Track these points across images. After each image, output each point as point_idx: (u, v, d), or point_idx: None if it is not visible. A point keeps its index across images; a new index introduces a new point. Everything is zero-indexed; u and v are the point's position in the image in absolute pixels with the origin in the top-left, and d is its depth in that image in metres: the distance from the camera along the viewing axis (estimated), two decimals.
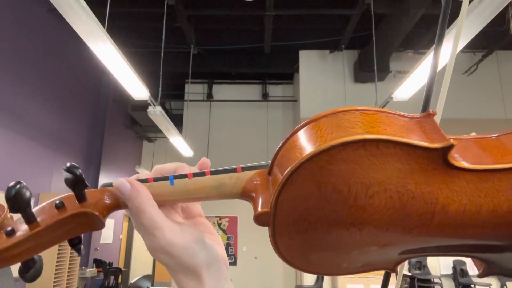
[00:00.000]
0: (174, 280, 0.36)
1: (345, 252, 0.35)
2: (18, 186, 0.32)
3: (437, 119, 0.39)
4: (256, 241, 7.55)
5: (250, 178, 0.36)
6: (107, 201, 0.36)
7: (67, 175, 0.33)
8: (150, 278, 9.92)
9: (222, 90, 8.68)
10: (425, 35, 6.70)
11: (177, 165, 0.39)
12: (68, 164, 0.34)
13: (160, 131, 5.95)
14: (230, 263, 7.93)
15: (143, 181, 0.37)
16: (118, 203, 0.36)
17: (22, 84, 5.62)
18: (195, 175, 0.36)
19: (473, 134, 0.36)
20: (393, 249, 0.34)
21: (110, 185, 0.37)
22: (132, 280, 9.48)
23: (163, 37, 5.48)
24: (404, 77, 4.15)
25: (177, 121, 8.03)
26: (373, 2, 5.60)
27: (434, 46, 0.43)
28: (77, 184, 0.34)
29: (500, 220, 0.30)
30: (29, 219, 0.34)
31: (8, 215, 0.35)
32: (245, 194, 0.36)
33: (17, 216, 0.35)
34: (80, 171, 0.34)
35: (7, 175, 5.26)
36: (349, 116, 0.31)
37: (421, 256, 0.37)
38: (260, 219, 0.33)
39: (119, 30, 6.68)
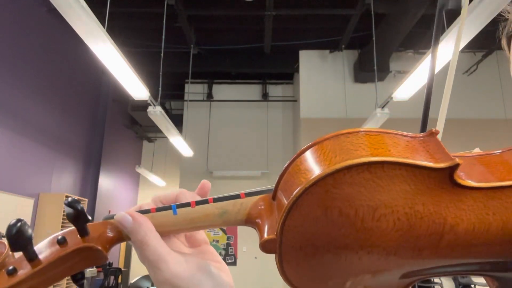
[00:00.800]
0: None
1: (354, 276, 0.34)
2: (18, 224, 0.32)
3: (441, 121, 0.39)
4: (256, 241, 7.50)
5: (254, 204, 0.36)
6: (110, 234, 0.36)
7: (69, 210, 0.33)
8: (150, 278, 9.91)
9: (222, 90, 8.68)
10: (425, 35, 6.70)
11: (177, 193, 0.38)
12: (69, 199, 0.33)
13: (160, 131, 5.95)
14: (230, 263, 7.93)
15: (144, 212, 0.36)
16: (121, 235, 0.36)
17: (22, 84, 5.62)
18: (198, 203, 0.36)
19: (477, 150, 0.36)
20: (403, 271, 0.34)
21: (112, 217, 0.37)
22: (132, 280, 9.48)
23: (163, 37, 5.48)
24: (404, 77, 4.15)
25: (177, 121, 8.03)
26: (373, 2, 5.60)
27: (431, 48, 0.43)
28: (78, 218, 0.34)
29: (510, 237, 0.30)
30: (31, 257, 0.33)
31: (9, 253, 0.34)
32: (250, 221, 0.36)
33: (18, 254, 0.34)
34: (81, 205, 0.33)
35: (7, 175, 5.26)
36: (352, 138, 0.30)
37: (433, 276, 0.36)
38: (266, 246, 0.33)
39: (119, 30, 6.68)
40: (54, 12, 5.22)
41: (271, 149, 8.18)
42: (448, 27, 3.07)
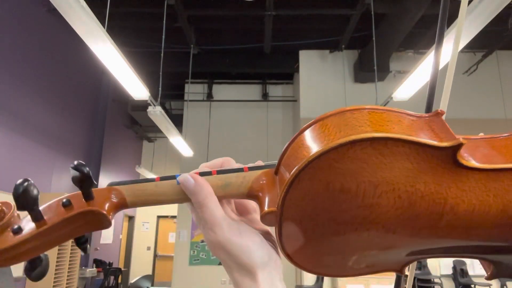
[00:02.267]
0: (229, 276, 0.36)
1: (352, 253, 0.34)
2: (25, 183, 0.32)
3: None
4: None
5: (256, 178, 0.36)
6: (114, 200, 0.36)
7: (75, 173, 0.33)
8: (150, 278, 9.92)
9: (222, 90, 8.68)
10: (425, 35, 6.70)
11: (222, 161, 0.41)
12: (75, 162, 0.33)
13: (160, 131, 5.95)
14: None
15: (205, 174, 0.37)
16: (125, 201, 0.37)
17: (22, 84, 5.62)
18: (202, 174, 0.37)
19: (481, 135, 0.36)
20: (401, 250, 0.34)
21: (117, 184, 0.37)
22: (132, 280, 9.48)
23: (163, 37, 5.48)
24: (404, 77, 4.15)
25: (177, 121, 8.02)
26: (373, 2, 5.60)
27: (434, 45, 0.43)
28: (84, 182, 0.34)
29: (509, 221, 0.30)
30: (36, 217, 0.33)
31: (15, 213, 0.35)
32: (252, 194, 0.36)
33: (24, 214, 0.35)
34: (87, 169, 0.34)
35: (7, 175, 5.26)
36: (357, 114, 0.30)
37: (429, 257, 0.36)
38: (266, 219, 0.33)
39: (119, 30, 6.68)
40: (54, 12, 5.22)
41: (271, 149, 8.18)
42: (448, 27, 3.07)
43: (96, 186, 0.35)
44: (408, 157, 0.29)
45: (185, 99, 8.45)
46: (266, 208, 0.33)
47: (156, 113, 4.76)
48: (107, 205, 0.35)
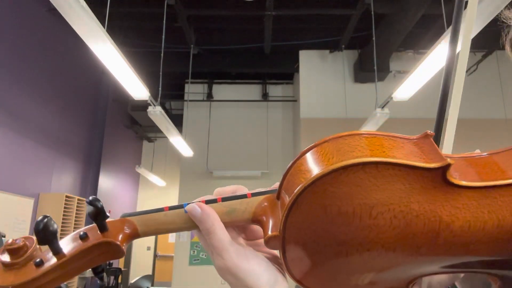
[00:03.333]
0: None
1: (356, 272, 0.35)
2: (45, 220, 0.35)
3: (452, 123, 0.40)
4: None
5: (259, 203, 0.38)
6: (127, 231, 0.39)
7: (90, 208, 0.36)
8: (150, 278, 9.91)
9: (222, 90, 8.68)
10: (425, 35, 6.69)
11: (236, 187, 0.42)
12: (90, 198, 0.36)
13: (160, 131, 5.95)
14: None
15: (210, 202, 0.39)
16: (137, 232, 0.39)
17: (22, 84, 5.62)
18: (208, 202, 0.39)
19: (477, 151, 0.37)
20: (404, 268, 0.35)
21: (129, 215, 0.40)
22: (132, 280, 9.48)
23: (163, 37, 5.48)
24: (404, 77, 4.15)
25: (177, 121, 8.02)
26: (373, 2, 5.60)
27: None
28: (98, 216, 0.37)
29: (506, 235, 0.31)
30: (56, 250, 0.36)
31: (37, 247, 0.38)
32: (256, 219, 0.38)
33: (44, 248, 0.38)
34: (101, 203, 0.36)
35: (7, 175, 5.26)
36: (349, 140, 0.32)
37: (432, 274, 0.37)
38: (270, 243, 0.34)
39: (119, 30, 6.68)
40: (54, 12, 5.22)
41: (271, 149, 8.18)
42: (447, 27, 3.07)
43: (109, 217, 0.38)
44: (399, 178, 0.30)
45: (185, 99, 8.45)
46: (269, 233, 0.35)
47: (156, 113, 4.75)
48: (120, 236, 0.38)
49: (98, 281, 0.39)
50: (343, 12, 6.28)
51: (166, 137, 6.08)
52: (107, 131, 8.33)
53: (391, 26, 5.91)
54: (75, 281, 6.49)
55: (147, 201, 11.14)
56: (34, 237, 0.36)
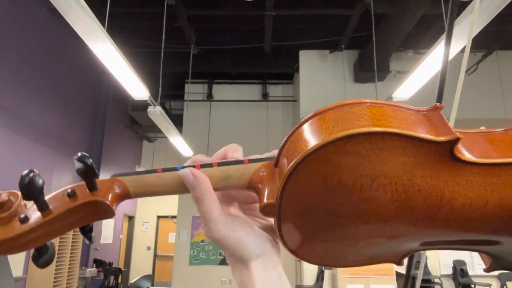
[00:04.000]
0: (227, 260, 0.39)
1: (351, 244, 0.35)
2: (31, 174, 0.33)
3: (453, 118, 0.40)
4: None
5: (256, 170, 0.37)
6: (117, 191, 0.37)
7: (79, 164, 0.34)
8: (150, 278, 9.92)
9: (222, 90, 8.68)
10: (425, 35, 6.69)
11: (225, 149, 0.42)
12: (79, 154, 0.35)
13: (160, 131, 5.95)
14: None
15: (205, 166, 0.38)
16: (128, 192, 0.37)
17: (22, 84, 5.62)
18: (203, 166, 0.38)
19: (483, 128, 0.36)
20: (399, 242, 0.34)
21: (120, 175, 0.38)
22: (132, 280, 9.48)
23: (163, 37, 5.48)
24: (404, 77, 4.15)
25: (177, 121, 8.02)
26: (373, 2, 5.60)
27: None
28: (88, 173, 0.35)
29: (507, 214, 0.30)
30: (42, 206, 0.34)
31: (22, 203, 0.36)
32: (251, 186, 0.36)
33: (29, 204, 0.36)
34: (91, 160, 0.35)
35: (7, 175, 5.26)
36: (355, 109, 0.30)
37: (427, 249, 0.37)
38: (265, 210, 0.33)
39: (119, 30, 6.68)
40: (54, 12, 5.22)
41: (271, 149, 8.08)
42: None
43: (98, 177, 0.36)
44: (405, 151, 0.29)
45: (185, 99, 8.45)
46: (265, 200, 0.33)
47: (156, 113, 4.76)
48: (110, 196, 0.36)
49: (86, 241, 0.38)
50: (343, 12, 6.28)
51: (166, 137, 6.08)
52: (107, 131, 8.33)
53: (391, 26, 5.91)
54: (75, 280, 6.49)
55: (147, 201, 11.14)
56: (19, 192, 0.35)
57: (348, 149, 0.29)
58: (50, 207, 0.35)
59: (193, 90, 8.47)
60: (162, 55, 5.52)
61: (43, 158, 6.16)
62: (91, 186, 0.36)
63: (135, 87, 4.09)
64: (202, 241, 7.83)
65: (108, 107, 8.37)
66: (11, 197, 0.35)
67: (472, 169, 0.30)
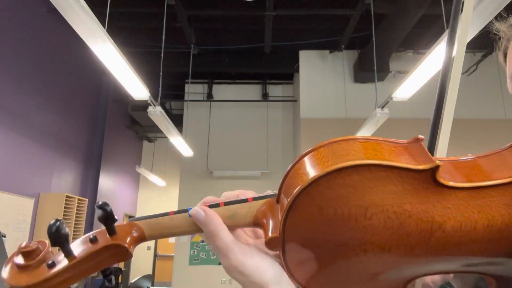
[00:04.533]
0: None
1: (354, 274, 0.36)
2: (58, 223, 0.36)
3: (449, 120, 0.40)
4: None
5: (260, 207, 0.39)
6: (135, 234, 0.41)
7: (99, 212, 0.38)
8: (150, 278, 9.92)
9: (222, 90, 8.68)
10: (425, 35, 6.69)
11: (239, 192, 0.44)
12: (100, 202, 0.38)
13: (160, 131, 5.95)
14: None
15: (214, 206, 0.41)
16: (144, 235, 0.41)
17: (22, 84, 5.62)
18: (211, 206, 0.40)
19: (469, 155, 0.38)
20: (400, 269, 0.36)
21: (136, 219, 0.42)
22: (132, 280, 9.48)
23: (163, 37, 5.48)
24: (404, 77, 4.15)
25: (177, 121, 8.02)
26: (373, 2, 5.60)
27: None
28: (108, 219, 0.38)
29: (497, 235, 0.32)
30: (67, 252, 0.38)
31: (49, 249, 0.39)
32: (257, 222, 0.39)
33: (56, 251, 0.39)
34: (110, 208, 0.38)
35: (7, 175, 5.26)
36: (343, 144, 0.34)
37: (427, 275, 0.38)
38: (270, 244, 0.36)
39: (119, 30, 6.68)
40: (54, 12, 5.22)
41: (271, 149, 8.18)
42: (447, 27, 3.07)
43: (117, 220, 0.40)
44: (391, 180, 0.31)
45: (185, 99, 8.45)
46: (269, 234, 0.36)
47: (156, 113, 4.76)
48: (128, 239, 0.40)
49: (106, 283, 0.42)
50: (343, 12, 6.28)
51: (166, 137, 6.08)
52: (107, 131, 8.34)
53: (391, 26, 5.91)
54: None
55: (147, 201, 11.14)
56: (47, 241, 0.38)
57: (339, 181, 0.31)
58: (75, 252, 0.38)
59: (193, 90, 8.47)
60: (162, 55, 5.52)
61: (43, 158, 6.16)
62: (111, 231, 0.39)
63: (135, 87, 4.09)
64: (202, 241, 7.83)
65: (108, 107, 8.37)
66: (39, 245, 0.39)
67: (457, 193, 0.32)
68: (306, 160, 0.35)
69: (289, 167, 0.36)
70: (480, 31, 2.92)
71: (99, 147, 8.09)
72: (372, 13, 5.62)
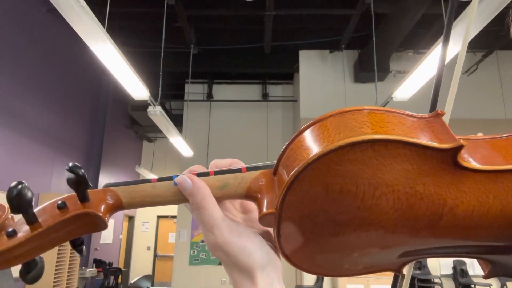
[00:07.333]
0: (229, 276, 0.36)
1: (350, 253, 0.34)
2: (19, 186, 0.32)
3: (446, 119, 0.39)
4: None
5: (255, 179, 0.35)
6: (110, 201, 0.36)
7: (70, 175, 0.33)
8: (150, 278, 9.92)
9: (222, 90, 8.68)
10: (425, 35, 6.69)
11: (231, 161, 0.40)
12: (70, 164, 0.33)
13: (160, 131, 5.95)
14: None
15: (203, 174, 0.37)
16: (121, 203, 0.36)
17: (22, 84, 5.62)
18: (199, 175, 0.36)
19: (480, 135, 0.35)
20: (399, 250, 0.34)
21: (112, 185, 0.37)
22: (132, 280, 9.49)
23: (163, 37, 5.48)
24: (404, 77, 4.15)
25: (177, 121, 8.02)
26: (373, 2, 5.60)
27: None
28: (79, 184, 0.33)
29: (508, 221, 0.30)
30: (31, 220, 0.33)
31: (9, 216, 0.34)
32: (250, 195, 0.35)
33: (18, 217, 0.34)
34: (82, 171, 0.33)
35: (7, 175, 5.26)
36: (357, 115, 0.30)
37: (426, 257, 0.36)
38: (265, 220, 0.33)
39: (119, 30, 6.68)
40: (54, 12, 5.21)
41: (271, 149, 8.18)
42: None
43: (91, 187, 0.35)
44: (408, 158, 0.28)
45: (185, 99, 8.45)
46: (264, 210, 0.32)
47: (156, 113, 4.76)
48: (102, 207, 0.35)
49: (77, 254, 0.36)
50: (343, 12, 6.28)
51: (166, 137, 6.08)
52: (107, 131, 8.33)
53: (391, 26, 5.91)
54: (75, 281, 6.49)
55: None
56: (7, 205, 0.33)
57: (351, 157, 0.28)
58: (39, 220, 0.33)
59: (193, 90, 8.47)
60: (162, 55, 5.52)
61: (43, 158, 6.16)
62: (83, 197, 0.34)
63: (135, 87, 4.08)
64: (202, 241, 7.82)
65: (108, 107, 8.37)
66: None
67: (475, 176, 0.29)
68: (313, 131, 0.31)
69: (292, 137, 0.32)
70: (480, 31, 2.92)
71: (99, 147, 8.09)
72: (372, 13, 5.62)
